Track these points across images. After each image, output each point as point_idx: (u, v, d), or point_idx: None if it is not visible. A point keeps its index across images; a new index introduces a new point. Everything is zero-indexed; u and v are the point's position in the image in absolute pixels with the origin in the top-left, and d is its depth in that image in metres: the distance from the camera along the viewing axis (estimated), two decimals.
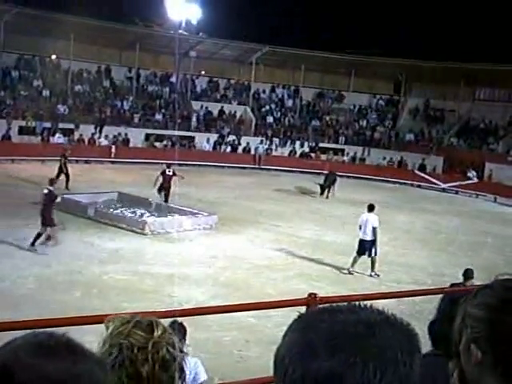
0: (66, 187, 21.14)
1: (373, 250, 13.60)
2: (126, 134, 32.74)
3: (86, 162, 29.31)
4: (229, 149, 35.07)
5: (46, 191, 14.02)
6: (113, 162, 30.06)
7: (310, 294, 3.67)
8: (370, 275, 13.41)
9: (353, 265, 13.59)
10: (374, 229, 13.71)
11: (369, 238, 13.62)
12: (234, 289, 11.68)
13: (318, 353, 0.83)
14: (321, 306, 0.94)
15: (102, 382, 0.87)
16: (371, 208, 14.11)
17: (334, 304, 0.91)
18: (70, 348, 0.87)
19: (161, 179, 19.52)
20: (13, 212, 16.57)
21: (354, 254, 13.61)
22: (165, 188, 19.42)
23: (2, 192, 19.96)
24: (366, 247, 13.58)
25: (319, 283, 12.26)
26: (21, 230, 14.66)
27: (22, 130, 30.61)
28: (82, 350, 0.89)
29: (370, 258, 13.60)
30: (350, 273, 13.53)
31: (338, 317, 0.87)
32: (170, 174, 19.67)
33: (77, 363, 0.85)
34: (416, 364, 0.87)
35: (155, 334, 1.44)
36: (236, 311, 6.21)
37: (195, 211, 17.64)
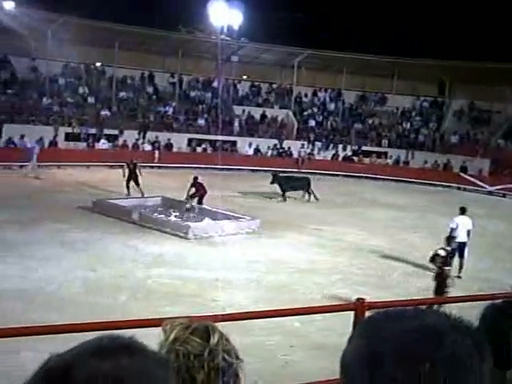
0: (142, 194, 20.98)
1: (465, 252, 13.63)
2: (169, 139, 33.07)
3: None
4: (270, 153, 35.11)
5: None
6: (156, 167, 30.38)
7: (357, 300, 3.60)
8: (458, 277, 13.10)
9: (460, 270, 13.49)
10: (469, 231, 13.80)
11: (462, 240, 13.56)
12: (277, 293, 11.62)
13: (384, 361, 0.79)
14: (382, 310, 0.89)
15: (163, 380, 0.87)
16: (463, 211, 14.09)
17: (398, 309, 0.86)
18: (130, 348, 0.88)
19: (193, 189, 19.52)
20: (60, 216, 16.90)
21: (456, 258, 13.33)
22: (198, 195, 19.47)
23: (49, 197, 20.39)
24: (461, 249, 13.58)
25: (363, 288, 12.08)
26: (67, 234, 14.96)
27: (68, 137, 31.24)
28: (144, 349, 0.90)
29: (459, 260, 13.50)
30: (459, 277, 13.23)
31: (403, 323, 0.82)
32: (202, 181, 19.78)
33: (135, 361, 0.85)
34: (486, 373, 0.81)
35: (211, 341, 1.46)
36: (282, 316, 6.14)
37: (238, 215, 17.66)
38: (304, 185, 23.91)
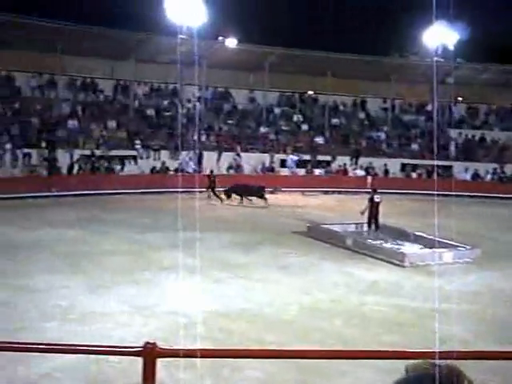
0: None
1: None
2: (385, 165, 32.84)
3: (339, 192, 30.02)
4: (489, 178, 33.08)
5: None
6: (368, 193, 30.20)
7: None
8: None
9: None
10: None
11: None
12: (502, 329, 10.76)
13: None
14: None
15: None
16: None
17: None
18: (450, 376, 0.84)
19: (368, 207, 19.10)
20: (277, 240, 17.54)
21: None
22: (373, 215, 18.95)
23: (267, 221, 21.29)
24: None
25: None
26: (284, 258, 15.43)
27: (283, 163, 32.50)
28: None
29: None
30: None
31: None
32: (378, 200, 19.16)
33: None
34: None
35: None
36: None
37: (456, 244, 16.79)
38: None
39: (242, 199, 25.37)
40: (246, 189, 25.86)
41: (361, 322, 10.79)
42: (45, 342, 3.42)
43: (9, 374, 7.57)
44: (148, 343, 2.49)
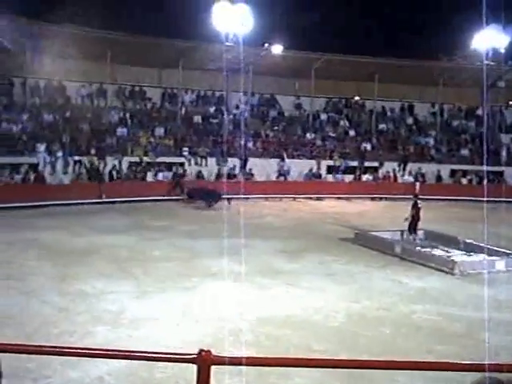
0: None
1: None
2: (438, 171, 32.34)
3: (386, 198, 29.70)
4: None
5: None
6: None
7: None
8: None
9: None
10: None
11: None
12: None
13: None
14: None
15: None
16: None
17: None
18: None
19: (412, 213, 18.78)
20: (323, 247, 17.46)
21: None
22: (415, 221, 18.61)
23: (313, 228, 21.22)
24: None
25: None
26: (331, 265, 15.32)
27: (329, 169, 32.33)
28: None
29: None
30: None
31: None
32: (420, 206, 18.82)
33: None
34: None
35: None
36: None
37: (509, 252, 16.36)
38: None
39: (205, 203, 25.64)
40: (203, 192, 26.07)
41: (410, 331, 10.61)
42: (98, 348, 3.47)
43: (62, 378, 7.72)
44: (202, 350, 2.49)
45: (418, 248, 17.26)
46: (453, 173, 32.96)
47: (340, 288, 13.18)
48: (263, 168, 30.67)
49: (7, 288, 12.12)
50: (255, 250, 16.46)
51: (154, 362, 6.97)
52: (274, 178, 30.87)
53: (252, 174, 30.12)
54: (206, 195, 25.90)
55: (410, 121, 36.49)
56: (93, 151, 27.72)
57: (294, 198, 28.99)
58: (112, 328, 9.86)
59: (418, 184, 30.83)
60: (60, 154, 26.94)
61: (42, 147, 26.65)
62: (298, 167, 31.47)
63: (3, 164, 25.19)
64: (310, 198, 29.37)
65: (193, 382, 2.60)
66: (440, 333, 10.59)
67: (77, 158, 27.32)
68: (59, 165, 26.85)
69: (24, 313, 10.50)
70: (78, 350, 3.29)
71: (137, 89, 32.97)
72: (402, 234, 18.80)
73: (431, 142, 34.89)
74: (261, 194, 28.47)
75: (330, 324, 10.73)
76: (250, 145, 32.07)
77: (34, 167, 25.96)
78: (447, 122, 36.50)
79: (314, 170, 31.64)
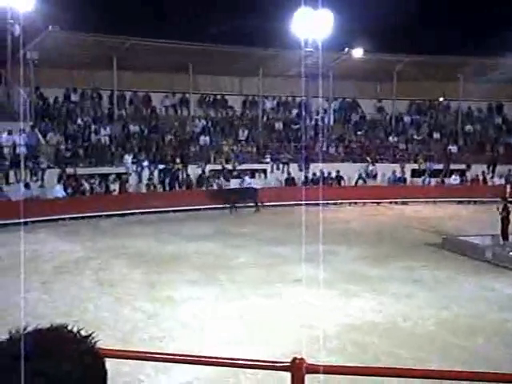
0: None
1: None
2: None
3: (475, 202, 28.69)
4: None
5: None
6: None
7: None
8: None
9: None
10: None
11: None
12: None
13: None
14: None
15: None
16: None
17: None
18: None
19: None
20: (409, 253, 17.08)
21: None
22: (505, 225, 17.76)
23: (398, 233, 20.81)
24: None
25: None
26: (417, 271, 14.95)
27: (414, 173, 31.60)
28: None
29: None
30: None
31: None
32: (511, 209, 18.13)
33: None
34: None
35: None
36: None
37: None
38: None
39: None
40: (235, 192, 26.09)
41: (504, 340, 10.19)
42: (189, 354, 3.53)
43: (153, 382, 7.92)
44: (296, 358, 2.48)
45: (511, 253, 16.57)
46: None
47: (428, 294, 12.84)
48: (346, 173, 30.36)
49: (100, 294, 12.58)
50: (339, 256, 16.32)
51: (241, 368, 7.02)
52: (356, 183, 30.48)
53: (341, 177, 29.87)
54: (240, 195, 25.92)
55: (498, 121, 35.18)
56: (178, 160, 28.33)
57: (378, 203, 28.53)
58: (199, 333, 10.03)
59: (508, 186, 29.62)
60: (146, 163, 27.72)
61: (129, 158, 27.50)
62: (381, 171, 30.97)
63: (93, 174, 26.17)
64: (395, 203, 28.83)
65: None
66: None
67: (161, 166, 27.99)
68: (145, 174, 27.61)
69: (116, 318, 10.85)
70: (177, 357, 3.35)
71: (219, 97, 33.49)
72: (492, 239, 18.13)
73: None
74: (345, 200, 28.23)
75: (418, 331, 10.46)
76: (333, 150, 31.85)
77: (121, 176, 26.81)
78: None
79: (398, 174, 31.02)
